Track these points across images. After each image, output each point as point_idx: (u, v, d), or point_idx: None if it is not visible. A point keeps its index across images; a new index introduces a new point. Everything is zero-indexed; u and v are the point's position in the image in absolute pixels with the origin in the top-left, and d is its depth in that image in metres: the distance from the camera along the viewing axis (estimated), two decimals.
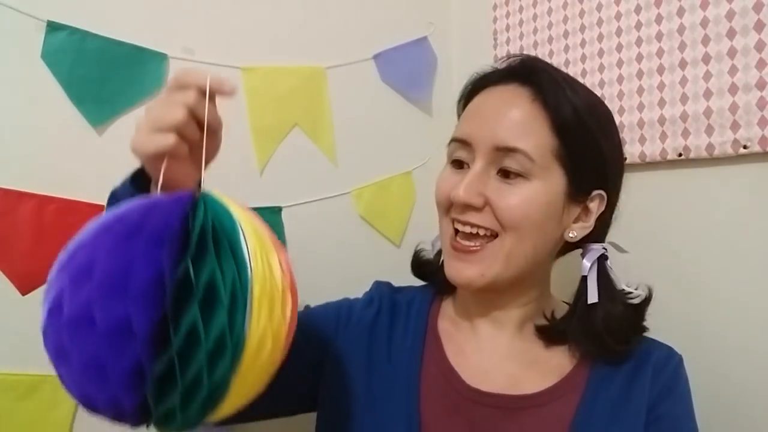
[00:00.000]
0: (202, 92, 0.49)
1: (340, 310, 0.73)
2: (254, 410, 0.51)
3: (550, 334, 0.66)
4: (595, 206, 0.64)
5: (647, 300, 0.65)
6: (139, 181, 0.55)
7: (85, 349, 0.40)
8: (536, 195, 0.60)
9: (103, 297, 0.40)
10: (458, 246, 0.63)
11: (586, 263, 0.64)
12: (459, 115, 0.71)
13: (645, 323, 0.65)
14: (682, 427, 0.61)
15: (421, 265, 0.77)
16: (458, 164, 0.65)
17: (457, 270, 0.63)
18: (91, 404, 0.42)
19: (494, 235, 0.62)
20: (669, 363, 0.63)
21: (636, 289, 0.66)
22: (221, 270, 0.41)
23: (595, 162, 0.63)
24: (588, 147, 0.62)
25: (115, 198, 0.55)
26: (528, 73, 0.64)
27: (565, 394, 0.62)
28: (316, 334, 0.70)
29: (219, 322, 0.40)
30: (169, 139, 0.48)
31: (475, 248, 0.62)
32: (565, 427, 0.60)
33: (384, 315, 0.72)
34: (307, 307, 0.76)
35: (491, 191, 0.61)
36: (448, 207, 0.65)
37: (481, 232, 0.62)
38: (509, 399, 0.62)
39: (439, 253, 0.75)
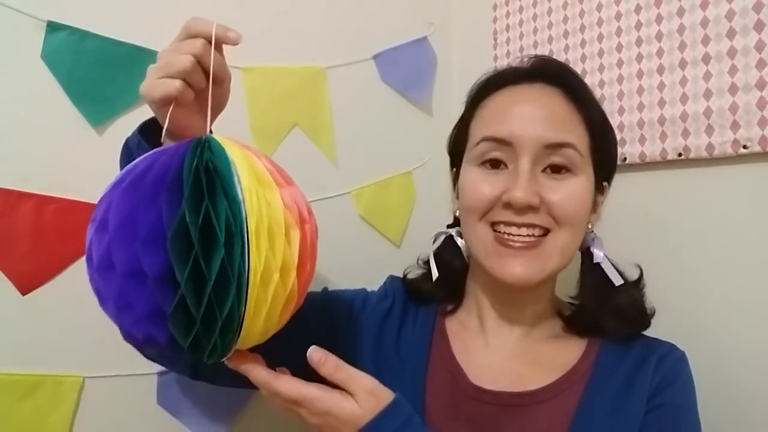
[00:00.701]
0: (210, 41, 0.52)
1: (356, 299, 0.75)
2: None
3: (581, 324, 0.67)
4: (602, 198, 0.68)
5: (641, 276, 0.68)
6: (150, 130, 0.58)
7: (113, 291, 0.44)
8: (583, 189, 0.62)
9: (118, 244, 0.43)
10: (508, 246, 0.61)
11: (598, 252, 0.67)
12: (469, 113, 0.70)
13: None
14: (681, 418, 0.61)
15: (414, 288, 0.75)
16: (493, 164, 0.64)
17: (509, 267, 0.61)
18: (134, 341, 0.47)
19: (545, 233, 0.62)
20: (672, 355, 0.64)
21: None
22: (214, 209, 0.44)
23: (611, 157, 0.68)
24: (609, 143, 0.67)
25: (127, 146, 0.58)
26: (553, 74, 0.66)
27: (568, 388, 0.62)
28: (328, 313, 0.72)
29: (217, 258, 0.43)
30: (175, 85, 0.51)
31: (530, 243, 0.61)
32: (568, 420, 0.60)
33: (396, 310, 0.73)
34: (325, 289, 0.77)
35: (544, 189, 0.61)
36: (485, 211, 0.63)
37: (537, 233, 0.61)
38: (512, 396, 0.63)
39: (427, 262, 0.74)
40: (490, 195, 0.62)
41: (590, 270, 0.67)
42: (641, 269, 0.68)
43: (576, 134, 0.62)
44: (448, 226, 0.76)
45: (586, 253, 0.68)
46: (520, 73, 0.67)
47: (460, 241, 0.73)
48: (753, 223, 0.70)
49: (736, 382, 0.71)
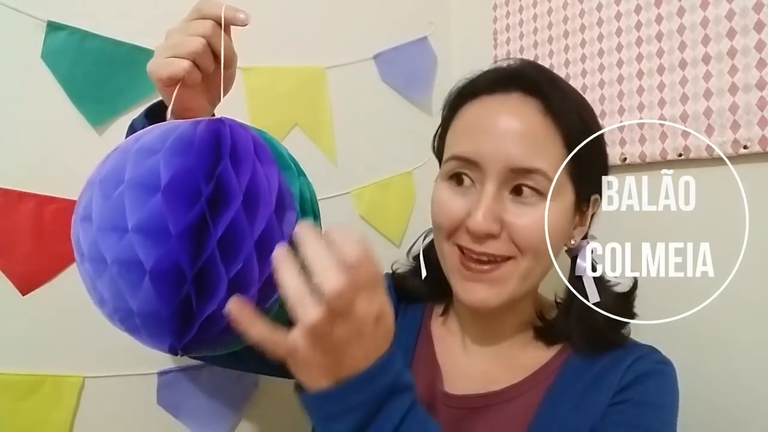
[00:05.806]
0: (219, 23, 0.52)
1: None
2: (255, 362, 0.52)
3: (550, 335, 0.65)
4: (590, 209, 0.64)
5: (635, 287, 0.64)
6: (155, 113, 0.58)
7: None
8: (552, 215, 0.57)
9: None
10: (470, 269, 0.59)
11: (582, 263, 0.63)
12: (444, 125, 0.68)
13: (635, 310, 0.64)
14: (647, 414, 0.57)
15: (403, 285, 0.74)
16: (458, 180, 0.61)
17: (471, 292, 0.60)
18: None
19: (508, 258, 0.59)
20: (650, 357, 0.61)
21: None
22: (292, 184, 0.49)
23: (599, 166, 0.63)
24: (594, 153, 0.61)
25: (132, 128, 0.58)
26: (531, 83, 0.60)
27: (533, 387, 0.61)
28: None
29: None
30: (183, 65, 0.51)
31: (489, 268, 0.59)
32: (528, 418, 0.59)
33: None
34: None
35: (508, 215, 0.57)
36: (452, 232, 0.61)
37: (499, 260, 0.59)
38: (477, 398, 0.62)
39: (417, 257, 0.73)
40: (455, 215, 0.59)
41: (573, 280, 0.64)
42: (636, 281, 0.64)
43: (548, 155, 0.58)
44: None
45: (574, 262, 0.65)
46: (496, 81, 0.62)
47: None
48: (753, 223, 0.70)
49: (736, 386, 0.71)
